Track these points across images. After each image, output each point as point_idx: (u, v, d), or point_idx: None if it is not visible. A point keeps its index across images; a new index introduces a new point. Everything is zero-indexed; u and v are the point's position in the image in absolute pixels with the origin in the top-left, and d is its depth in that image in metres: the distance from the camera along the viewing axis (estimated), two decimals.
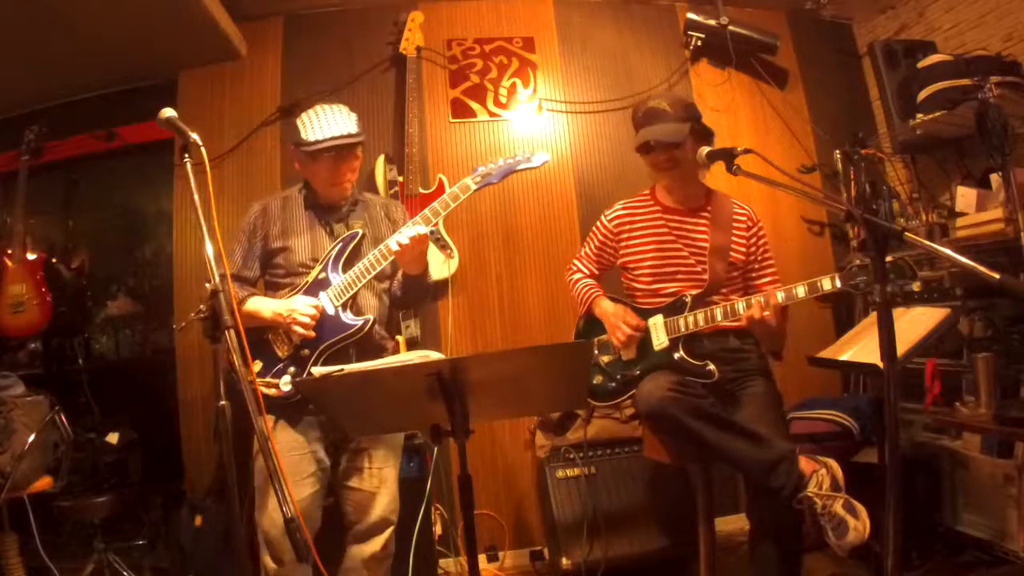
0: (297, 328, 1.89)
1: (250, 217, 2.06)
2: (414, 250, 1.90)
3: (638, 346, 2.13)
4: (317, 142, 1.93)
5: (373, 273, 1.95)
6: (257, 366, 1.94)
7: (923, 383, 2.44)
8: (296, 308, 1.89)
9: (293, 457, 1.91)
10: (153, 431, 3.09)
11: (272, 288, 2.07)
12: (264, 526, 1.88)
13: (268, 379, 1.93)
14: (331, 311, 1.94)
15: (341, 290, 1.95)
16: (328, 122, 1.95)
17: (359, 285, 1.95)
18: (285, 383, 1.91)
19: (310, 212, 2.07)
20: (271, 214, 2.06)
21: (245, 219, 2.06)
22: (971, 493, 2.53)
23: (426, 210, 1.94)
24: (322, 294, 1.96)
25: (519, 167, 1.95)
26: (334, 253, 2.00)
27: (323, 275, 1.98)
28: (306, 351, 1.94)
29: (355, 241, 2.01)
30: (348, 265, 1.98)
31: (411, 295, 2.13)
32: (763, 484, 1.79)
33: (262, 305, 1.95)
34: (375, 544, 1.99)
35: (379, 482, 2.00)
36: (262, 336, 1.98)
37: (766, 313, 1.88)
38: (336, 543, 2.00)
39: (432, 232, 3.06)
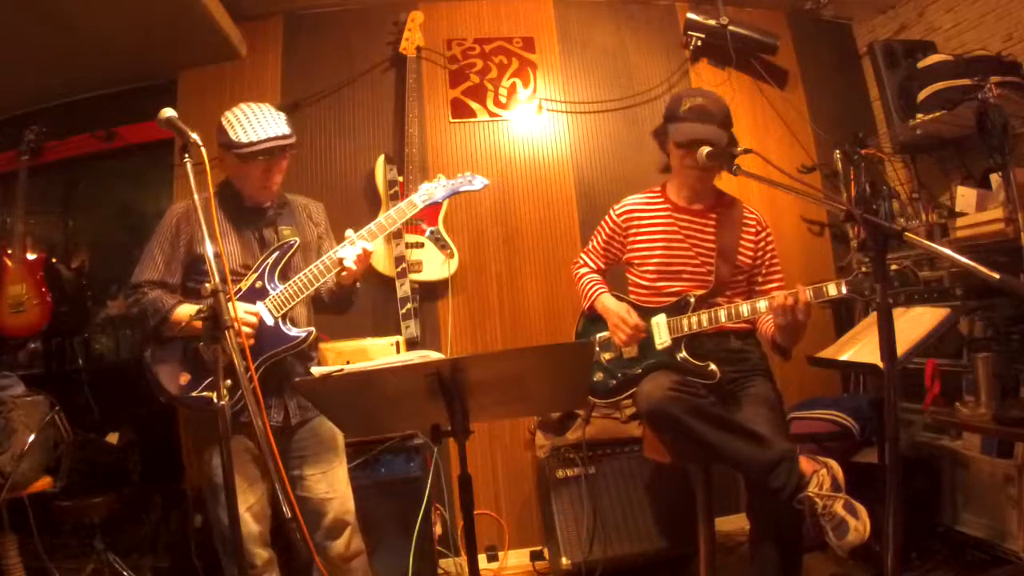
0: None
1: (171, 219, 1.95)
2: (359, 265, 1.89)
3: (640, 344, 2.13)
4: (251, 144, 1.84)
5: (317, 285, 1.91)
6: (184, 379, 1.86)
7: (923, 383, 2.44)
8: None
9: (235, 469, 1.85)
10: (153, 431, 3.08)
11: (197, 295, 1.92)
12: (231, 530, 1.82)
13: (201, 393, 1.83)
14: (270, 322, 1.88)
15: (282, 301, 1.89)
16: (260, 123, 1.87)
17: (301, 297, 1.90)
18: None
19: (235, 216, 1.99)
20: (194, 217, 1.93)
21: (166, 221, 1.95)
22: (971, 493, 2.53)
23: (372, 225, 1.92)
24: (260, 304, 1.88)
25: (462, 189, 2.07)
26: (270, 262, 1.94)
27: (259, 284, 1.91)
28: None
29: (292, 251, 1.96)
30: (283, 274, 1.93)
31: (339, 303, 2.09)
32: (763, 484, 1.79)
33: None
34: (338, 546, 1.97)
35: (327, 486, 1.97)
36: (190, 346, 1.87)
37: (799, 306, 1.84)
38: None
39: (432, 232, 3.08)
